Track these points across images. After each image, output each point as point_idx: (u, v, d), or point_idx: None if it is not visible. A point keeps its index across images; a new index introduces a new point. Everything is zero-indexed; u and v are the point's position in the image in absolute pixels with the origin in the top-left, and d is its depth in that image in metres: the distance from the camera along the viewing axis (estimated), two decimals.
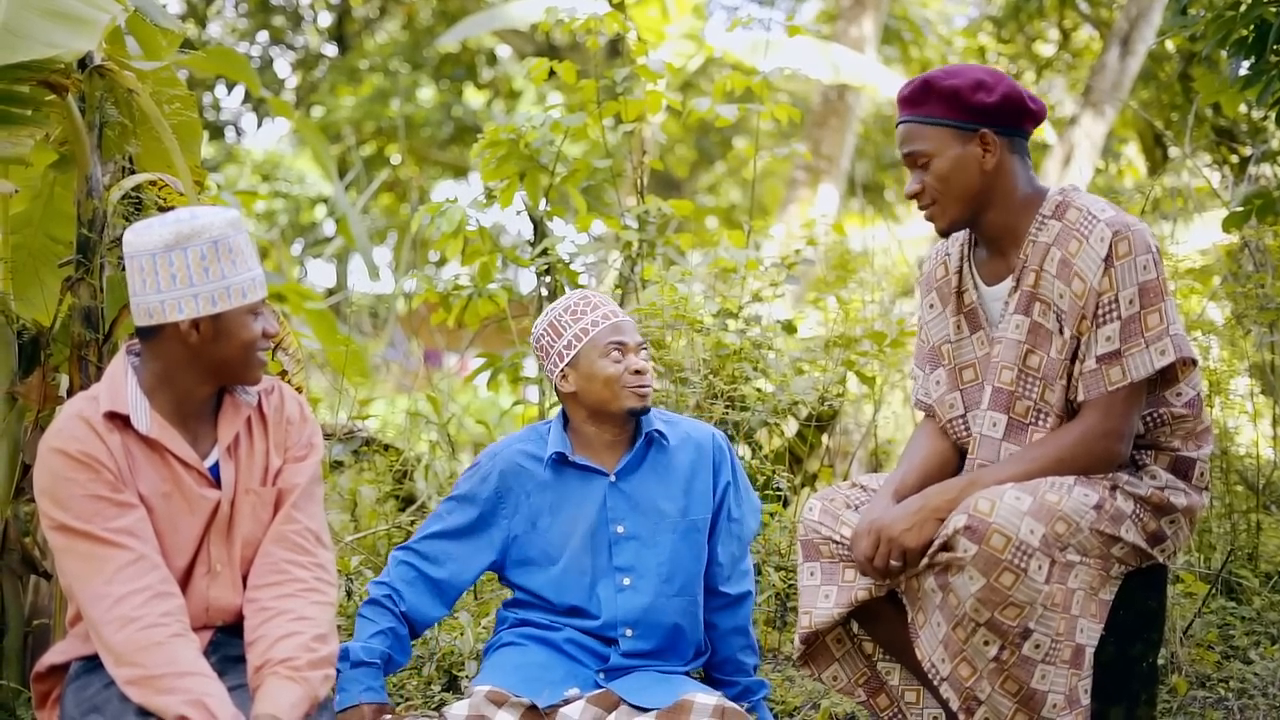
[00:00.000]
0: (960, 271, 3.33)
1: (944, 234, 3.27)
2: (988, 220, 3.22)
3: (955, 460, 3.34)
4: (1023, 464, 3.10)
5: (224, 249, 2.82)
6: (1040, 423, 3.17)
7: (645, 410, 3.43)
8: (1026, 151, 3.22)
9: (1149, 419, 3.17)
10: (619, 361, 3.38)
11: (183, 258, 2.80)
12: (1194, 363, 3.13)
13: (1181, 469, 3.19)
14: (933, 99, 3.17)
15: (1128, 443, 3.11)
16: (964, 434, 3.31)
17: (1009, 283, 3.21)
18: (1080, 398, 3.11)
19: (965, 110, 3.14)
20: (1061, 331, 3.12)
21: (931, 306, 3.40)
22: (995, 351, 3.21)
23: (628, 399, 3.38)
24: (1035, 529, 2.92)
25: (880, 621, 3.33)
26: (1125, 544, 3.07)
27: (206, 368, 2.89)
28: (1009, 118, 3.17)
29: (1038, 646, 2.97)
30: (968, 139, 3.15)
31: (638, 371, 3.39)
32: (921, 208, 3.23)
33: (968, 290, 3.31)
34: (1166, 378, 3.14)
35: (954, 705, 3.06)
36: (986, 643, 2.97)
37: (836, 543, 3.26)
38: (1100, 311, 3.06)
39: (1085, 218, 3.10)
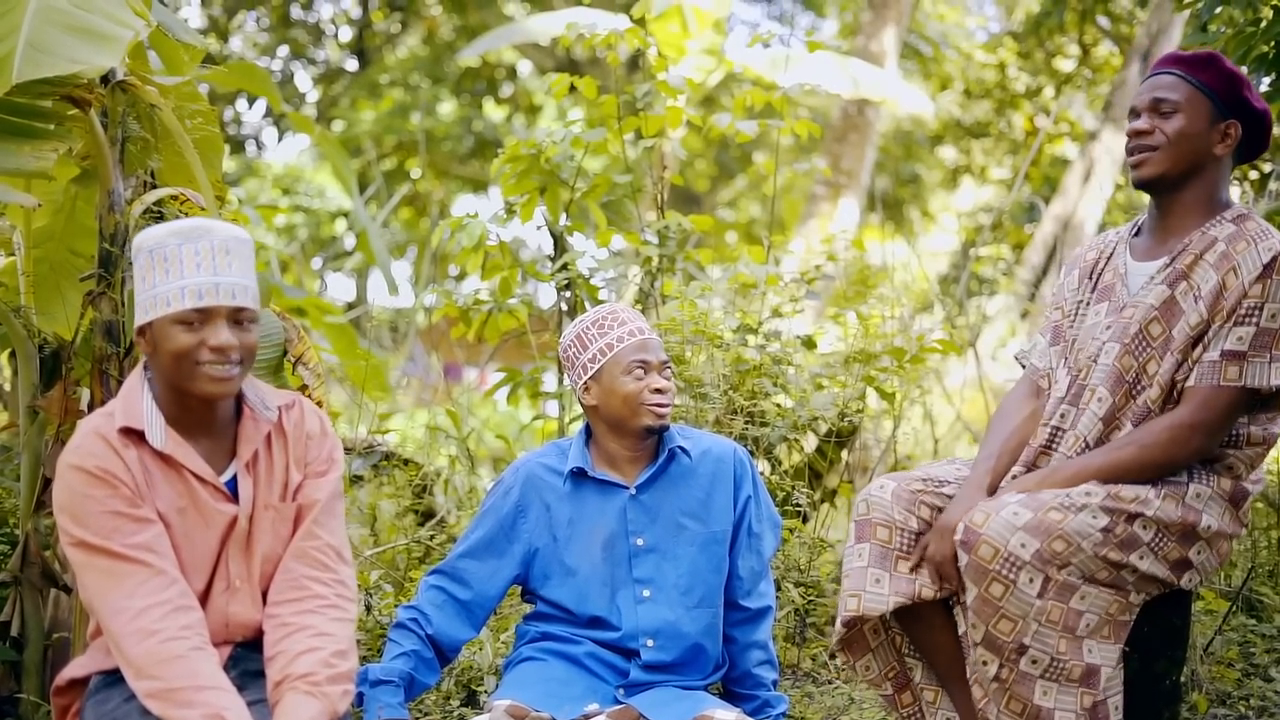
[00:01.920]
0: (1113, 253, 3.41)
1: (1141, 183, 3.31)
2: (1176, 198, 3.29)
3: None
4: (1106, 455, 3.15)
5: (158, 258, 2.79)
6: (1137, 384, 3.21)
7: (664, 429, 3.43)
8: (1232, 168, 3.32)
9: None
10: (641, 379, 3.39)
11: (137, 272, 2.83)
12: None
13: (1236, 499, 3.22)
14: (1212, 70, 3.26)
15: (1214, 443, 3.16)
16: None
17: (1162, 260, 3.28)
18: (1190, 383, 3.15)
19: (1232, 97, 3.25)
20: (1197, 304, 3.17)
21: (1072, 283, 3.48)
22: (1126, 314, 3.26)
23: (645, 417, 3.39)
24: (1028, 543, 2.95)
25: (919, 620, 3.34)
26: (1138, 571, 3.06)
27: (162, 378, 2.86)
28: (1253, 130, 3.29)
29: (1035, 662, 2.99)
30: (1217, 120, 3.25)
31: (658, 390, 3.39)
32: (1138, 148, 3.28)
33: (1114, 267, 3.37)
34: (1268, 404, 3.20)
35: None
36: (985, 662, 2.99)
37: (900, 531, 3.26)
38: (1241, 312, 3.12)
39: (1262, 230, 3.19)
